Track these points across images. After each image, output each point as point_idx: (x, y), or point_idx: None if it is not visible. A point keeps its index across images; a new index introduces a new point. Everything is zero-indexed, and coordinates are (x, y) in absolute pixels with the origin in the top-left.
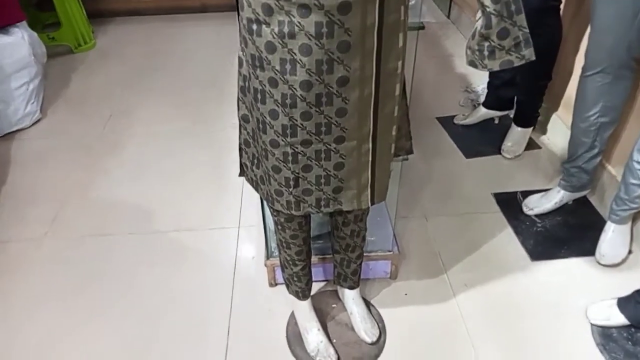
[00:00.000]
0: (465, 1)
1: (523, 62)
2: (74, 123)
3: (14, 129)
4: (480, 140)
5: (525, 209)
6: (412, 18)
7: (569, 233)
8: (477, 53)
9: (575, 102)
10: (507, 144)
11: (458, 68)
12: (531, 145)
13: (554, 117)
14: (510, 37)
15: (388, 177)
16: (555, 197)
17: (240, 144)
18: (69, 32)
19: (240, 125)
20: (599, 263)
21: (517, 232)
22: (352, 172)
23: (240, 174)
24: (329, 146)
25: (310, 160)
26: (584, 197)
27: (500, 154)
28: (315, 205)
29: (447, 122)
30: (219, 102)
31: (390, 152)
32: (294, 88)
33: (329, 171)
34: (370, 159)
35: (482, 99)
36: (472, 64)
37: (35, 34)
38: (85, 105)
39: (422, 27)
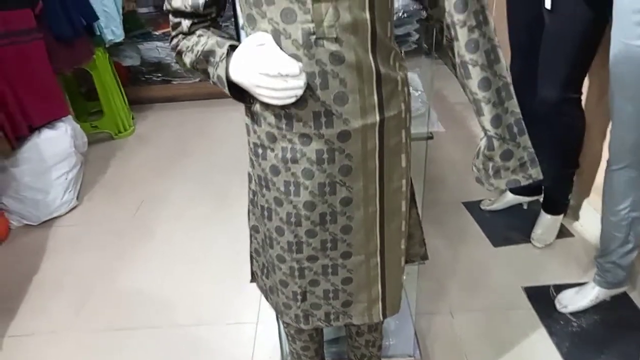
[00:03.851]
0: None
1: (530, 181)
2: (107, 209)
3: (50, 217)
4: (509, 227)
5: (558, 306)
6: (421, 128)
7: (608, 334)
8: (482, 171)
9: (603, 194)
10: (537, 231)
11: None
12: (563, 233)
13: (585, 203)
14: (515, 158)
15: (400, 289)
16: (590, 294)
17: (251, 252)
18: (110, 121)
19: (250, 234)
20: None
21: (550, 333)
22: (362, 286)
23: (252, 280)
24: (335, 261)
25: (317, 275)
26: (624, 292)
27: (530, 242)
28: (325, 319)
29: (473, 207)
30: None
31: (400, 265)
32: (298, 208)
33: (337, 286)
34: (379, 272)
35: None
36: (478, 181)
37: (78, 126)
38: (119, 191)
39: (431, 137)
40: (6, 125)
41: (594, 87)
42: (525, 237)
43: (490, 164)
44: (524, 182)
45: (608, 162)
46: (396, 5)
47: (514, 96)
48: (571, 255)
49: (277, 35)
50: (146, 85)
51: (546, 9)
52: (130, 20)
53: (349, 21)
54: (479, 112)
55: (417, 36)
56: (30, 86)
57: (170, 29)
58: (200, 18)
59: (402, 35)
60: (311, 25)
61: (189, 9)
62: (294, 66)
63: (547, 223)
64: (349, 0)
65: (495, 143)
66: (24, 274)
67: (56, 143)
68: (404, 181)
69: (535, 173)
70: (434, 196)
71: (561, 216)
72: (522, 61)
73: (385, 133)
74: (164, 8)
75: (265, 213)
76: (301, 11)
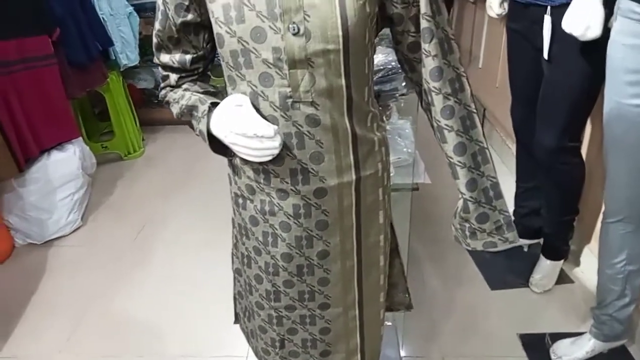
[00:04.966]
0: (497, 119)
1: (507, 244)
2: (110, 231)
3: (54, 236)
4: (508, 270)
5: (553, 357)
6: (406, 179)
7: None
8: (459, 232)
9: (599, 247)
10: (536, 276)
11: None
12: (563, 278)
13: (586, 249)
14: (491, 221)
15: (379, 341)
16: (586, 346)
17: (234, 294)
18: (120, 142)
19: (234, 277)
20: None
21: None
22: (340, 337)
23: (235, 322)
24: (313, 312)
25: (295, 324)
26: (622, 345)
27: (528, 286)
28: None
29: None
30: None
31: (379, 318)
32: (276, 258)
33: (315, 335)
34: (358, 324)
35: None
36: (456, 239)
37: (87, 148)
38: (124, 212)
39: (417, 189)
40: (17, 147)
41: (596, 135)
42: (524, 281)
43: (467, 226)
44: (500, 245)
45: (604, 214)
46: (384, 61)
47: (491, 160)
48: (570, 302)
49: (255, 97)
50: (158, 108)
51: (545, 59)
52: (147, 45)
53: (325, 87)
54: (454, 176)
55: (404, 90)
56: (42, 110)
57: (160, 79)
58: (187, 72)
59: (390, 90)
60: (288, 90)
61: (176, 65)
62: (269, 129)
63: (546, 268)
64: (325, 67)
65: (471, 206)
66: (24, 293)
67: (64, 165)
68: (381, 236)
69: (512, 236)
70: (434, 233)
71: (561, 262)
72: (524, 107)
73: (362, 191)
74: (154, 61)
75: (245, 260)
76: (278, 76)
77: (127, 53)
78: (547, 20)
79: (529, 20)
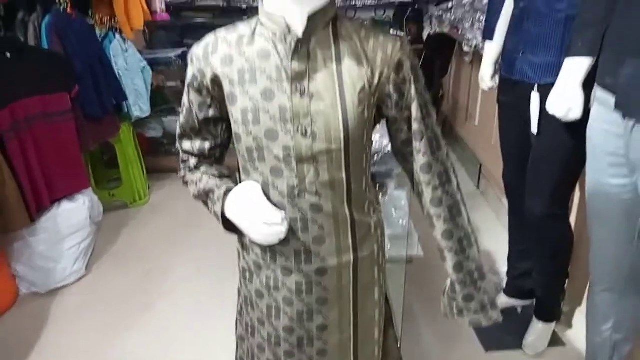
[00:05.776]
0: (492, 175)
1: (492, 323)
2: (114, 280)
3: (59, 285)
4: (502, 330)
5: None
6: (400, 251)
7: None
8: (448, 309)
9: (587, 314)
10: (529, 339)
11: (483, 245)
12: (556, 340)
13: (577, 311)
14: (476, 301)
15: None
16: None
17: (236, 358)
18: (127, 190)
19: (237, 342)
20: None
21: None
22: None
23: None
24: None
25: None
26: None
27: (522, 348)
28: None
29: None
30: None
31: None
32: (278, 330)
33: None
34: None
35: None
36: (445, 315)
37: (96, 198)
38: (128, 261)
39: (411, 261)
40: (30, 198)
41: (584, 200)
42: (518, 343)
43: (454, 304)
44: (485, 323)
45: (591, 282)
46: (380, 144)
47: (475, 244)
48: None
49: (266, 186)
50: (166, 156)
51: (532, 133)
52: (157, 97)
53: (327, 179)
54: (442, 258)
55: (399, 170)
56: (56, 162)
57: (180, 162)
58: (205, 157)
59: (386, 172)
60: (295, 181)
61: (196, 151)
62: (277, 216)
63: (538, 330)
64: (328, 163)
65: (457, 287)
66: (27, 342)
67: (73, 215)
68: (376, 311)
69: (496, 315)
70: (431, 290)
71: (553, 324)
72: (515, 173)
73: (359, 270)
74: (175, 146)
75: (250, 329)
76: (287, 169)
77: (140, 105)
78: (535, 97)
79: (517, 96)
